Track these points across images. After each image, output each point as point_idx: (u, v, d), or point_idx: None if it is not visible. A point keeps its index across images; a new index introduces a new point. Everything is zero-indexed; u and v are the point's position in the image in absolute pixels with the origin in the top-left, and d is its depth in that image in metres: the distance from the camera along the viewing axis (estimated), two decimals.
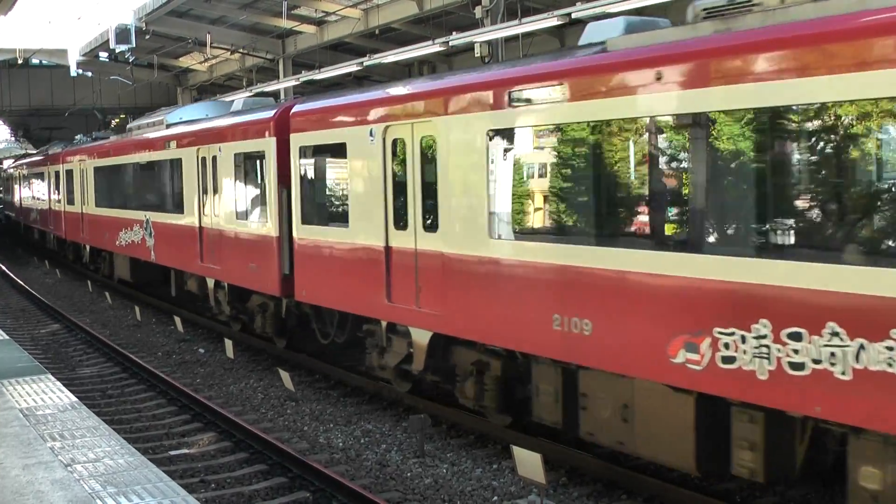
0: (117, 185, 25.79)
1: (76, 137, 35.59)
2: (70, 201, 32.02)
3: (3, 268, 35.33)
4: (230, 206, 17.46)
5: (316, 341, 15.62)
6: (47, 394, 10.67)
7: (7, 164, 59.24)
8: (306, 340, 16.42)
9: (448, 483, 10.43)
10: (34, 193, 41.72)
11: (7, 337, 15.12)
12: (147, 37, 32.61)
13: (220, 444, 12.23)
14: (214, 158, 18.01)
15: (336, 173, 14.02)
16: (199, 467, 11.28)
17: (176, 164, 20.26)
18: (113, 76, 42.40)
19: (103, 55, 41.32)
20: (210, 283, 18.93)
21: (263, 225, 15.92)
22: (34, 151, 54.86)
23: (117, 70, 41.55)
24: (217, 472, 11.17)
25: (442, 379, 12.16)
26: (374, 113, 12.66)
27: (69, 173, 32.19)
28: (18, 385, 11.12)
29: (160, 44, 35.79)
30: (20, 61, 42.74)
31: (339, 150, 13.54)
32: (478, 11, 21.91)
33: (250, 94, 26.92)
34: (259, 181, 16.31)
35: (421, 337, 11.92)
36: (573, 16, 17.65)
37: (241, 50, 33.44)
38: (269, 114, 15.93)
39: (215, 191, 18.14)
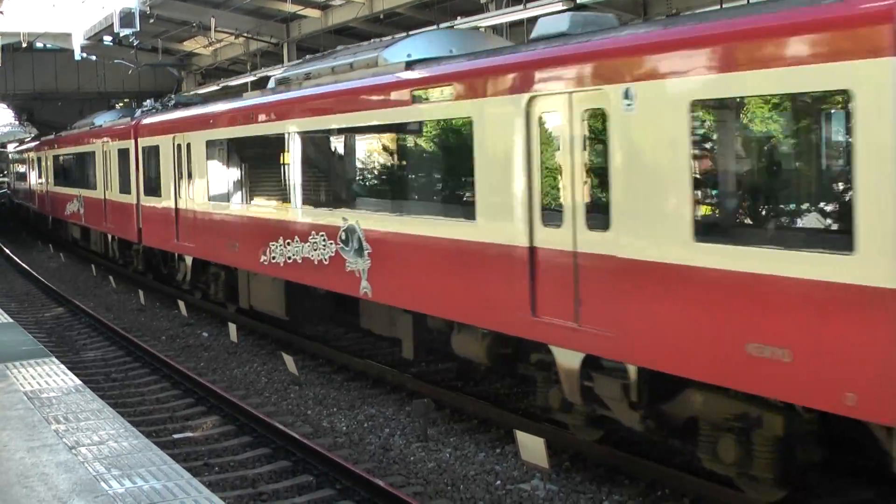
0: (266, 168, 16.24)
1: (145, 103, 26.56)
2: (152, 191, 22.21)
3: (7, 251, 35.36)
4: (681, 217, 8.08)
5: None
6: (52, 377, 10.69)
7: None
8: None
9: (451, 467, 10.45)
10: (74, 179, 31.86)
11: (11, 320, 15.16)
12: (151, 21, 32.56)
13: (224, 427, 12.26)
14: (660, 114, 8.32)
15: None
16: (202, 451, 11.32)
17: (452, 130, 11.31)
18: (117, 60, 42.37)
19: (108, 39, 41.24)
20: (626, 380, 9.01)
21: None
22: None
23: (121, 54, 41.50)
24: (221, 455, 11.21)
25: None
26: None
27: (150, 152, 22.27)
28: (23, 368, 11.15)
29: (164, 28, 35.74)
30: (24, 45, 42.64)
31: None
32: None
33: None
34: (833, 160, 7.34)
35: None
36: (578, 0, 17.63)
37: (245, 34, 33.36)
38: None
39: (632, 180, 8.61)
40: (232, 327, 17.84)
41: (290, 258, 14.76)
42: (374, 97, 12.63)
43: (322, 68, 14.82)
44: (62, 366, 11.36)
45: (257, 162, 16.63)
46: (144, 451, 7.92)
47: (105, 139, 26.70)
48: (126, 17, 30.68)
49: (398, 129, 12.20)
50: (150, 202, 22.40)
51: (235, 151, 17.26)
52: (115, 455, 7.78)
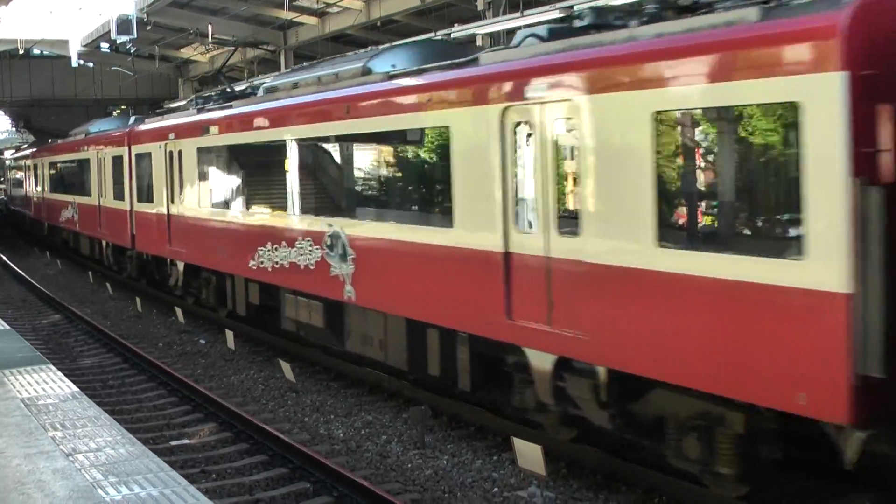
0: None
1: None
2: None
3: (5, 258, 35.31)
4: None
5: None
6: (48, 384, 10.68)
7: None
8: None
9: (448, 474, 10.45)
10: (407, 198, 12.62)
11: (8, 327, 15.14)
12: (148, 27, 32.64)
13: (221, 434, 12.25)
14: None
15: None
16: (199, 458, 11.31)
17: None
18: (114, 67, 42.42)
19: (104, 46, 41.32)
20: None
21: None
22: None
23: (118, 61, 41.59)
24: (218, 462, 11.20)
25: None
26: None
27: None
28: (20, 375, 11.13)
29: (161, 35, 35.79)
30: (21, 52, 42.67)
31: None
32: (479, 3, 21.94)
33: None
34: None
35: None
36: (575, 8, 17.67)
37: (242, 42, 33.46)
38: None
39: None
40: (229, 334, 17.83)
41: None
42: None
43: None
44: (59, 373, 11.35)
45: None
46: (141, 457, 7.91)
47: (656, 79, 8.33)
48: (123, 24, 30.74)
49: None
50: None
51: None
52: (112, 462, 7.77)
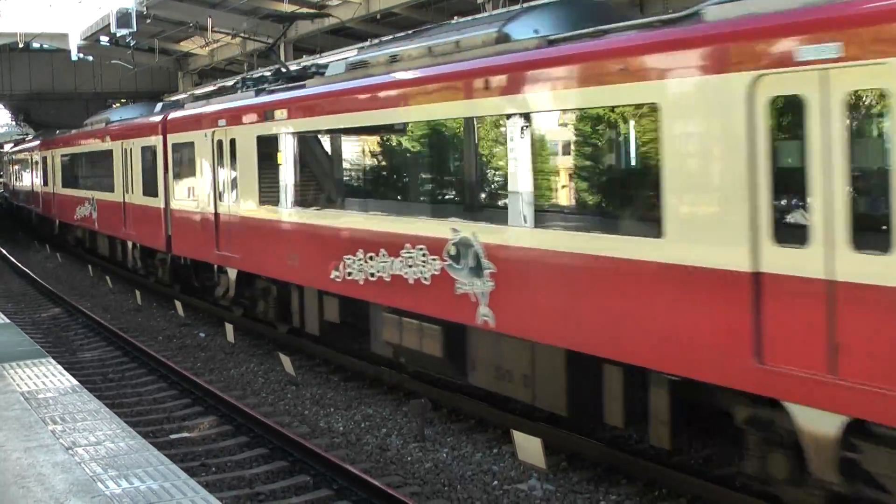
0: None
1: None
2: None
3: (4, 252, 35.29)
4: None
5: None
6: (48, 377, 10.67)
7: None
8: None
9: (448, 467, 10.45)
10: None
11: (8, 321, 15.12)
12: (148, 21, 32.61)
13: (221, 427, 12.25)
14: None
15: None
16: (199, 451, 11.32)
17: None
18: (114, 60, 42.39)
19: (104, 39, 41.28)
20: None
21: None
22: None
23: (118, 54, 41.52)
24: (217, 455, 11.21)
25: None
26: None
27: None
28: (19, 369, 11.12)
29: (161, 28, 35.75)
30: (21, 45, 42.61)
31: None
32: None
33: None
34: None
35: None
36: None
37: (241, 34, 33.40)
38: None
39: None
40: (229, 327, 17.84)
41: None
42: None
43: None
44: (59, 366, 11.33)
45: None
46: (141, 451, 7.91)
47: None
48: (123, 18, 30.75)
49: None
50: None
51: None
52: (112, 455, 7.76)
